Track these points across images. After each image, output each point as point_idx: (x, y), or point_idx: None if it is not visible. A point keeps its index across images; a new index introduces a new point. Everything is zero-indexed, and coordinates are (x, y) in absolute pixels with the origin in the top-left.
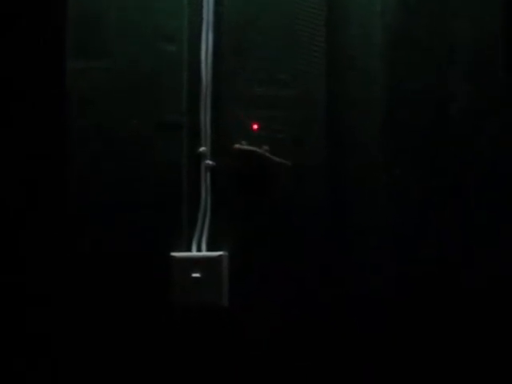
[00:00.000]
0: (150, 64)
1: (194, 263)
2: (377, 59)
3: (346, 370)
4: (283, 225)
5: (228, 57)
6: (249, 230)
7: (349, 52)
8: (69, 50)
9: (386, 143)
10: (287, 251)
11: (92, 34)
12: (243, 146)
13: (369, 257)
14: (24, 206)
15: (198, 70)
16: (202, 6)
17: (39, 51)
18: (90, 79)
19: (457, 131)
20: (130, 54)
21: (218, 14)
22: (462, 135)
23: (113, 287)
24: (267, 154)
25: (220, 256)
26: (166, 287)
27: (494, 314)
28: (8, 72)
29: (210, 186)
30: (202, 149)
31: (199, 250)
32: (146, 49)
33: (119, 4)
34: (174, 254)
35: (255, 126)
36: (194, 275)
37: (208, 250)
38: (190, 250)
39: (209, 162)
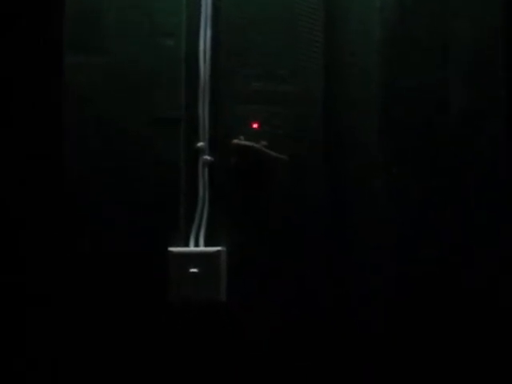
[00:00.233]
0: (148, 59)
1: (191, 258)
2: (376, 56)
3: (345, 369)
4: (281, 220)
5: (226, 52)
6: (247, 226)
7: (348, 48)
8: (67, 46)
9: (385, 142)
10: (286, 247)
11: (90, 30)
12: (241, 141)
13: (369, 256)
14: (24, 206)
15: (197, 66)
16: (200, 2)
17: (37, 47)
18: (88, 75)
19: (456, 131)
20: (128, 50)
21: (216, 10)
22: (462, 135)
23: (112, 285)
24: (264, 149)
25: (218, 251)
26: (164, 283)
27: (494, 314)
28: (5, 69)
29: (207, 181)
30: (199, 144)
31: (197, 245)
32: (144, 44)
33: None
34: (171, 249)
35: (255, 125)
36: (192, 270)
37: (206, 245)
38: (187, 245)
39: (207, 157)
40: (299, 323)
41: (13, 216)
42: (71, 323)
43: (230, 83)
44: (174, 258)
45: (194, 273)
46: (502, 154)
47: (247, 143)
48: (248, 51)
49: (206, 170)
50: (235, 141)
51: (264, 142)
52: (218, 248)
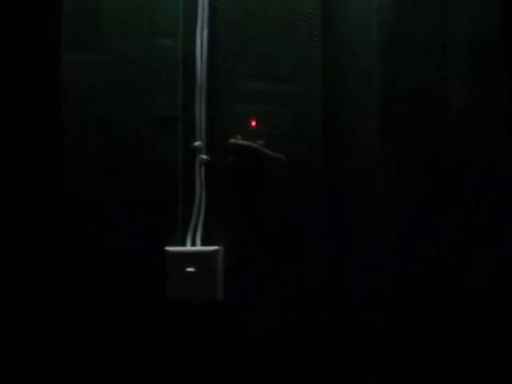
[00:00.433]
0: (146, 59)
1: (188, 258)
2: (375, 56)
3: (345, 368)
4: (280, 220)
5: (224, 52)
6: (244, 225)
7: (347, 48)
8: (65, 46)
9: (385, 142)
10: (284, 246)
11: (88, 30)
12: (238, 140)
13: (368, 256)
14: (24, 206)
15: (194, 66)
16: (197, 1)
17: (35, 47)
18: (86, 74)
19: (456, 131)
20: (126, 50)
21: (213, 10)
22: (462, 135)
23: (111, 285)
24: (262, 149)
25: (215, 251)
26: (162, 283)
27: (494, 313)
28: (4, 68)
29: (205, 180)
30: (197, 143)
31: (194, 244)
32: (142, 44)
33: None
34: (168, 248)
35: (253, 123)
36: (189, 270)
37: (203, 244)
38: (184, 244)
39: (204, 156)
40: (298, 323)
41: (13, 216)
42: (71, 323)
43: (227, 83)
44: (171, 258)
45: (191, 272)
46: (501, 153)
47: (244, 142)
48: (246, 51)
49: (203, 169)
50: (232, 140)
51: (261, 142)
52: (215, 247)
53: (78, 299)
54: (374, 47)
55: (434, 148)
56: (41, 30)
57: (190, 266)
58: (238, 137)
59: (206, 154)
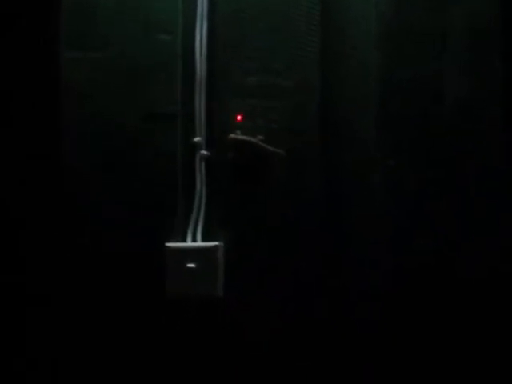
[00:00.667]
0: (144, 54)
1: (188, 254)
2: (372, 48)
3: (343, 363)
4: (279, 215)
5: (222, 47)
6: (244, 220)
7: (345, 41)
8: (64, 42)
9: (382, 135)
10: (283, 241)
11: (87, 25)
12: (238, 135)
13: (366, 249)
14: (23, 206)
15: (193, 61)
16: None
17: (34, 44)
18: (85, 70)
19: (454, 121)
20: (125, 45)
21: (212, 4)
22: (460, 125)
23: (111, 282)
24: (261, 144)
25: (215, 246)
26: (162, 280)
27: (494, 304)
28: (2, 67)
29: (204, 176)
30: (196, 139)
31: (194, 240)
32: (140, 39)
33: None
34: (168, 244)
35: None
36: (189, 265)
37: (203, 240)
38: (185, 240)
39: (204, 152)
40: (297, 318)
41: (13, 216)
42: (71, 323)
43: (226, 77)
44: (172, 254)
45: (191, 268)
46: (499, 143)
47: (244, 138)
48: (244, 45)
49: (203, 164)
50: (232, 135)
51: (261, 137)
52: (216, 243)
53: (77, 299)
54: (373, 40)
55: (431, 139)
56: (40, 27)
57: (191, 262)
58: (238, 132)
59: (205, 150)
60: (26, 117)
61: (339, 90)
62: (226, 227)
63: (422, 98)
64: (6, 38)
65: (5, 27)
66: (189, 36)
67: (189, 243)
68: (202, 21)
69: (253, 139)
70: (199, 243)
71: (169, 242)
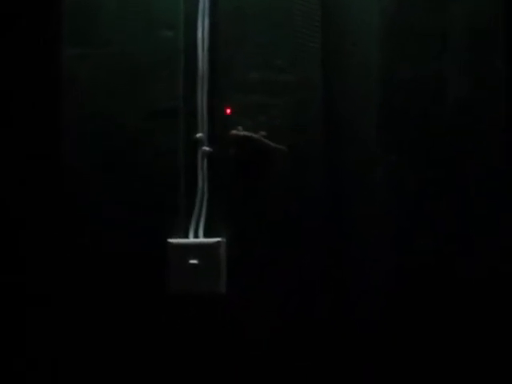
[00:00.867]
0: (146, 50)
1: (191, 250)
2: (373, 46)
3: (344, 358)
4: (281, 211)
5: (224, 43)
6: (246, 216)
7: (347, 38)
8: (66, 39)
9: (383, 133)
10: (285, 237)
11: (89, 22)
12: (240, 131)
13: (368, 247)
14: (23, 206)
15: (195, 56)
16: None
17: (35, 42)
18: (87, 66)
19: (455, 120)
20: (127, 41)
21: (214, 0)
22: (461, 124)
23: (112, 280)
24: (263, 140)
25: (217, 242)
26: (164, 277)
27: (494, 303)
28: (3, 64)
29: (206, 172)
30: (198, 135)
31: (196, 236)
32: (142, 35)
33: None
34: (170, 240)
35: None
36: (192, 262)
37: (205, 236)
38: (187, 236)
39: (206, 148)
40: (299, 314)
41: (13, 216)
42: (71, 323)
43: (228, 74)
44: (174, 250)
45: (193, 264)
46: (500, 143)
47: (246, 134)
48: (246, 41)
49: (205, 161)
50: (234, 131)
51: (263, 133)
52: (218, 239)
53: (78, 299)
54: (375, 37)
55: (432, 138)
56: (41, 25)
57: (193, 258)
58: (240, 128)
59: (207, 146)
60: (26, 117)
61: (340, 87)
62: (228, 223)
63: (422, 97)
64: (6, 38)
65: (5, 26)
66: (191, 32)
67: (191, 239)
68: (203, 17)
69: (254, 135)
70: (201, 239)
71: (171, 238)
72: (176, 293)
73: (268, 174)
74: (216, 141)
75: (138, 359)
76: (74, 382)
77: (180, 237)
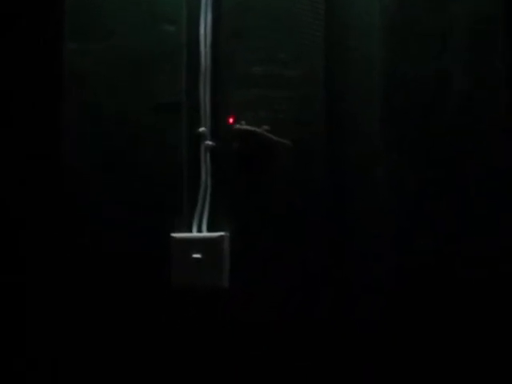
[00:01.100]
0: (149, 45)
1: (194, 244)
2: (376, 42)
3: (345, 352)
4: (284, 205)
5: (227, 37)
6: (249, 211)
7: (350, 33)
8: (68, 34)
9: (386, 130)
10: (288, 231)
11: (91, 16)
12: (243, 125)
13: (370, 242)
14: (23, 206)
15: (198, 51)
16: None
17: (34, 42)
18: (88, 61)
19: (457, 119)
20: (129, 36)
21: None
22: (462, 123)
23: (112, 281)
24: (266, 134)
25: (221, 236)
26: (167, 270)
27: (492, 303)
28: (3, 61)
29: (210, 166)
30: (201, 129)
31: (200, 230)
32: (145, 29)
33: None
34: (174, 234)
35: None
36: (195, 256)
37: (208, 230)
38: (190, 230)
39: (209, 142)
40: (301, 308)
41: (13, 216)
42: (71, 323)
43: (231, 68)
44: (177, 244)
45: (196, 258)
46: (501, 142)
47: (249, 128)
48: (249, 35)
49: (208, 155)
50: (237, 126)
51: (266, 127)
52: (221, 233)
53: (78, 299)
54: (377, 33)
55: (434, 137)
56: (42, 22)
57: (196, 253)
58: (243, 122)
59: (210, 140)
60: (26, 117)
61: (343, 82)
62: (232, 218)
63: (425, 95)
64: (6, 36)
65: (5, 24)
66: (193, 26)
67: (194, 234)
68: (206, 11)
69: (257, 129)
70: (204, 234)
71: (174, 232)
72: (179, 287)
73: (271, 169)
74: (219, 135)
75: (140, 358)
76: (74, 382)
77: (183, 231)
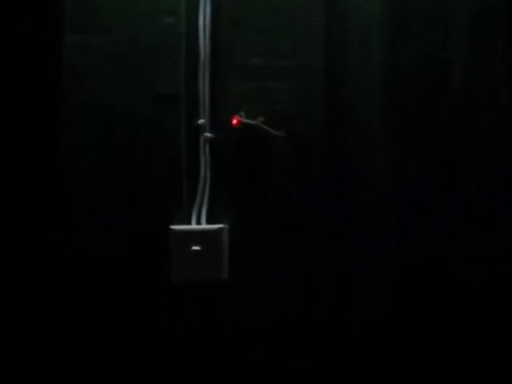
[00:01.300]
0: (148, 36)
1: (193, 236)
2: (375, 31)
3: (346, 345)
4: (283, 196)
5: (226, 28)
6: (248, 203)
7: (349, 24)
8: (68, 26)
9: (386, 119)
10: (287, 223)
11: (90, 9)
12: (242, 117)
13: (370, 232)
14: (23, 206)
15: (197, 42)
16: None
17: (34, 42)
18: (89, 54)
19: (458, 109)
20: (128, 27)
21: None
22: (461, 113)
23: (112, 281)
24: (262, 125)
25: (220, 229)
26: (167, 262)
27: (493, 303)
28: (4, 59)
29: (209, 158)
30: (200, 121)
31: (199, 222)
32: (144, 21)
33: None
34: (173, 227)
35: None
36: (194, 248)
37: (208, 222)
38: (189, 222)
39: (208, 134)
40: (302, 299)
41: (13, 216)
42: (71, 323)
43: (230, 59)
44: (176, 236)
45: (196, 250)
46: (500, 136)
47: (247, 120)
48: (248, 27)
49: (207, 147)
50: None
51: (261, 118)
52: (220, 225)
53: (78, 299)
54: (377, 23)
55: (433, 126)
56: (42, 19)
57: (195, 245)
58: (242, 114)
59: (209, 132)
60: (26, 117)
61: (343, 72)
62: (231, 209)
63: (425, 82)
64: (6, 34)
65: (5, 21)
66: (192, 17)
67: (193, 226)
68: (205, 2)
69: (253, 121)
70: (204, 226)
71: (173, 224)
72: (178, 279)
73: (270, 160)
74: (218, 127)
75: (141, 355)
76: (74, 382)
77: (182, 223)
